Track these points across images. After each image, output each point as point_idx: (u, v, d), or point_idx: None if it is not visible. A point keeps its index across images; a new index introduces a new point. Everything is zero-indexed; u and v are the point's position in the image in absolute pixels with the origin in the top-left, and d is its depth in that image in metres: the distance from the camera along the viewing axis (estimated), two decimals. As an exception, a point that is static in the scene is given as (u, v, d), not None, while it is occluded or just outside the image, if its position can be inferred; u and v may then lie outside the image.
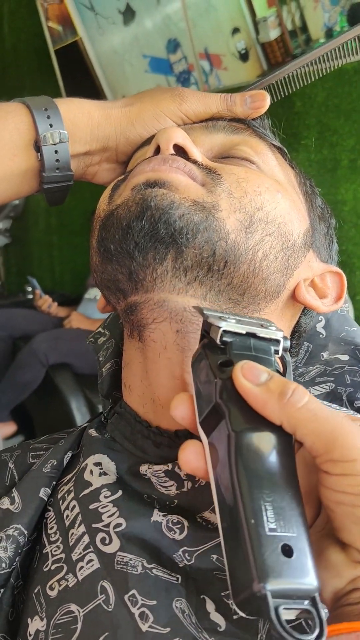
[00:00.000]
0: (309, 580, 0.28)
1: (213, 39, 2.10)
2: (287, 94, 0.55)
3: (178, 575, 0.38)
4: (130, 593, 0.38)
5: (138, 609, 0.37)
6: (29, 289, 2.76)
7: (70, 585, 0.40)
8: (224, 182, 0.44)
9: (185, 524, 0.40)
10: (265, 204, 0.44)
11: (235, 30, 2.02)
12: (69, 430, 0.54)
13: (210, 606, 0.37)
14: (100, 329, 0.59)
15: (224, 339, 0.36)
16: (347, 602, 0.30)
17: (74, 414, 2.02)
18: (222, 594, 0.38)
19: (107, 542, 0.40)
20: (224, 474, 0.32)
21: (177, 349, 0.42)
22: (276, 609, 0.27)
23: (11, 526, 0.44)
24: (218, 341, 0.36)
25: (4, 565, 0.43)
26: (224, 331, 0.36)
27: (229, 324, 0.37)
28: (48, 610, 0.40)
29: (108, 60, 2.52)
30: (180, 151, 0.46)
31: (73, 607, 0.39)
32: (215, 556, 0.39)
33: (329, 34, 1.73)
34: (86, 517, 0.42)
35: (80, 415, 2.01)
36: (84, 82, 2.61)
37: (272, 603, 0.27)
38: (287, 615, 0.28)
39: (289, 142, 1.94)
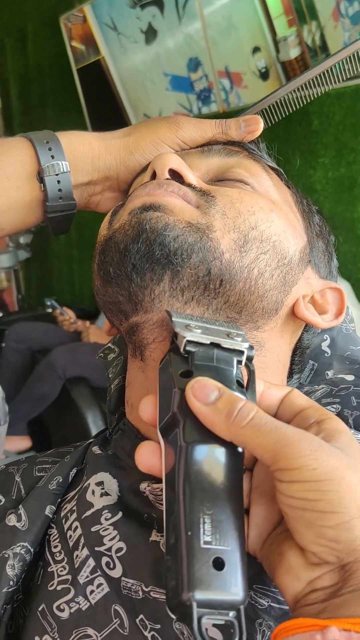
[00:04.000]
0: (237, 592, 0.30)
1: (234, 57, 2.12)
2: (284, 115, 0.56)
3: None
4: (139, 617, 0.39)
5: (149, 632, 0.38)
6: (48, 303, 2.78)
7: (83, 609, 0.41)
8: (217, 203, 0.45)
9: None
10: (259, 223, 0.45)
11: (256, 49, 2.04)
12: (76, 445, 0.54)
13: None
14: (110, 345, 0.60)
15: (188, 348, 0.37)
16: (305, 603, 0.31)
17: (90, 427, 2.02)
18: None
19: (111, 566, 0.41)
20: (172, 481, 0.33)
21: None
22: (199, 619, 0.29)
23: (18, 544, 0.45)
24: (182, 350, 0.37)
25: (11, 583, 0.43)
26: (188, 341, 0.37)
27: (193, 334, 0.38)
28: (60, 631, 0.41)
29: (130, 78, 2.56)
30: (175, 176, 0.47)
31: (90, 631, 0.40)
32: None
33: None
34: (89, 540, 0.43)
35: (96, 428, 2.01)
36: (105, 100, 2.65)
37: (196, 613, 0.29)
38: (211, 623, 0.30)
39: (306, 159, 1.95)
